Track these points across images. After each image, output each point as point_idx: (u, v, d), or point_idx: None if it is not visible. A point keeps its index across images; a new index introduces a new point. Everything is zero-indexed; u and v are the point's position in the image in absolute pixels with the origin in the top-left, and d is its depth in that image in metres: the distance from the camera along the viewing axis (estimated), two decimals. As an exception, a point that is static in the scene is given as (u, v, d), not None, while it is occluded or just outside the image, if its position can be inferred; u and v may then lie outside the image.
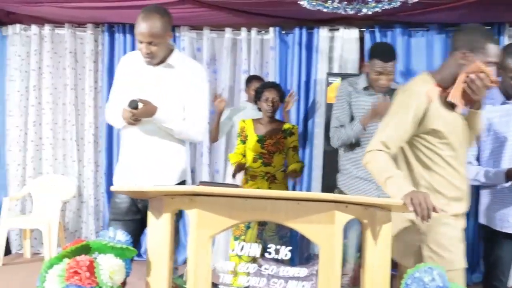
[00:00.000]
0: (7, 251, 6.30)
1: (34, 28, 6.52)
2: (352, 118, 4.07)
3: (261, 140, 4.58)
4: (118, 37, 6.47)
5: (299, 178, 5.80)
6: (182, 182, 3.33)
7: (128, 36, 6.42)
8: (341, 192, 4.07)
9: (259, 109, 4.73)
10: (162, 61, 3.26)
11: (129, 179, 3.32)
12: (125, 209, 3.32)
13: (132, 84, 3.29)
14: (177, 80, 3.22)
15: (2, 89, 6.67)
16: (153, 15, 3.13)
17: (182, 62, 3.32)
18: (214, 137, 5.48)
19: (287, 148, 4.63)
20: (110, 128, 6.46)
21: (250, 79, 5.63)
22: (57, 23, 6.54)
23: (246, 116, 4.93)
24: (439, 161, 2.82)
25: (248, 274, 2.59)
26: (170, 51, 3.29)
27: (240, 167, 4.60)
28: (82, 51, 6.60)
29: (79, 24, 6.52)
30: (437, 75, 2.89)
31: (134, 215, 3.31)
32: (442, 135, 2.79)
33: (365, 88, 4.00)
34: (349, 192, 4.02)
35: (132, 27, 6.31)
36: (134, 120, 3.15)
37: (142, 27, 3.12)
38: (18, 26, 6.55)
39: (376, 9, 4.49)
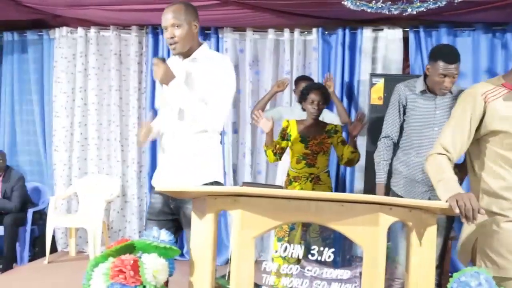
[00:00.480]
0: (53, 249, 6.43)
1: (80, 30, 6.65)
2: (401, 128, 4.06)
3: (304, 140, 4.56)
4: (162, 38, 6.52)
5: (342, 179, 5.79)
6: (215, 183, 3.26)
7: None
8: (394, 194, 4.04)
9: (304, 110, 4.71)
10: (189, 55, 3.24)
11: (160, 179, 3.33)
12: (158, 209, 3.31)
13: None
14: (201, 73, 3.19)
15: (49, 90, 6.81)
16: (176, 3, 3.20)
17: (207, 55, 3.27)
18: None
19: (336, 144, 4.58)
20: (153, 129, 6.51)
21: (299, 79, 5.64)
22: (102, 25, 6.64)
23: (295, 116, 4.91)
24: (503, 163, 2.76)
25: (291, 275, 2.58)
26: (199, 46, 3.27)
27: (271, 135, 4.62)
28: (127, 53, 6.69)
29: (124, 26, 6.61)
30: (508, 75, 2.84)
31: (167, 216, 3.30)
32: (505, 136, 2.73)
33: (422, 92, 3.95)
34: (401, 193, 3.98)
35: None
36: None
37: (167, 13, 3.17)
38: (64, 29, 6.68)
39: (421, 9, 4.43)
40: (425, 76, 3.95)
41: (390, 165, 4.15)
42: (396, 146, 4.16)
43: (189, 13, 3.18)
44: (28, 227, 6.33)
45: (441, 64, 3.75)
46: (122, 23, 6.55)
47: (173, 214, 3.27)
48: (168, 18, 3.14)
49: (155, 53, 6.56)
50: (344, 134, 4.90)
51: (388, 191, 4.14)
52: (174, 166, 3.25)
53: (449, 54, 3.80)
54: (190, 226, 3.09)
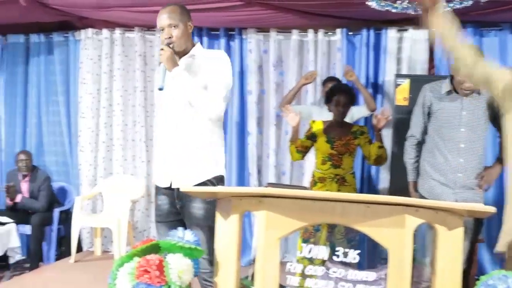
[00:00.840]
0: (79, 249, 6.49)
1: (105, 32, 6.70)
2: (425, 128, 4.05)
3: (330, 141, 4.54)
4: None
5: (367, 181, 5.76)
6: (220, 177, 3.30)
7: (196, 39, 6.50)
8: (421, 196, 4.01)
9: (330, 111, 4.69)
10: (186, 54, 3.32)
11: (163, 175, 3.34)
12: (166, 210, 3.32)
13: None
14: (200, 65, 3.25)
15: (75, 91, 6.87)
16: (171, 4, 3.31)
17: (204, 52, 3.40)
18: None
19: (363, 144, 4.54)
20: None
21: (326, 80, 5.63)
22: (127, 26, 6.69)
23: (324, 117, 4.90)
24: None
25: (315, 276, 2.58)
26: (193, 45, 3.37)
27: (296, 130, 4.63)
28: (151, 54, 6.73)
29: (148, 27, 6.64)
30: None
31: (176, 216, 3.30)
32: None
33: (448, 92, 3.92)
34: (427, 196, 3.95)
35: (199, 29, 6.43)
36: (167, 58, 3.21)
37: (161, 13, 3.27)
38: (90, 31, 6.74)
39: (447, 9, 4.39)
40: (452, 76, 3.92)
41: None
42: (421, 145, 4.14)
43: (184, 14, 3.30)
44: (55, 226, 6.40)
45: None
46: (146, 24, 6.58)
47: (179, 213, 3.29)
48: (164, 18, 3.25)
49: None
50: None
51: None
52: (178, 159, 3.26)
53: None
54: (195, 225, 3.16)
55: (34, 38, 7.02)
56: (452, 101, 3.90)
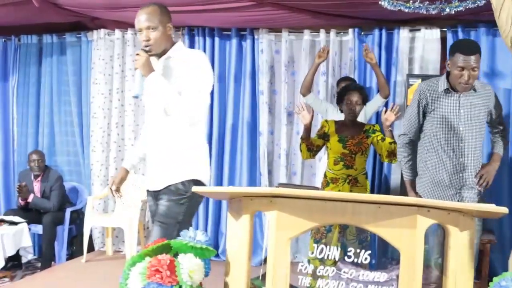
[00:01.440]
0: (90, 248, 6.52)
1: (117, 32, 6.72)
2: (420, 127, 3.99)
3: (342, 140, 4.53)
4: (198, 40, 6.56)
5: (378, 181, 5.75)
6: (195, 181, 3.23)
7: (208, 39, 6.51)
8: (420, 197, 3.97)
9: (342, 111, 4.68)
10: (164, 54, 3.28)
11: (148, 179, 3.42)
12: (154, 211, 3.37)
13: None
14: (176, 68, 3.21)
15: (87, 92, 6.90)
16: (151, 5, 3.24)
17: (181, 53, 3.30)
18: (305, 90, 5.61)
19: (376, 142, 4.52)
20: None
21: (340, 80, 5.63)
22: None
23: (337, 117, 4.89)
24: None
25: (327, 277, 2.57)
26: (172, 45, 3.31)
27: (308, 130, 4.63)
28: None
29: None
30: None
31: None
32: None
33: (446, 91, 3.86)
34: (427, 197, 3.91)
35: (211, 30, 6.44)
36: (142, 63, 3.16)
37: (140, 14, 3.21)
38: (102, 31, 6.76)
39: (460, 8, 4.37)
40: (448, 74, 3.86)
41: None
42: (414, 144, 4.08)
43: (164, 15, 3.23)
44: (66, 226, 6.43)
45: (458, 56, 3.67)
46: (158, 25, 6.59)
47: None
48: (142, 20, 3.19)
49: (191, 54, 6.58)
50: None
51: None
52: (155, 163, 3.30)
53: (466, 46, 3.72)
54: (157, 221, 3.23)
55: (47, 38, 7.05)
56: (449, 99, 3.83)
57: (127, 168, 3.68)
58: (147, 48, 3.19)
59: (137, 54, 3.15)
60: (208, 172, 3.36)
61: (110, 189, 3.66)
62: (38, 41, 7.11)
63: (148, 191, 3.43)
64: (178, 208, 3.19)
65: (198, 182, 3.23)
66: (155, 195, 3.33)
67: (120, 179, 3.64)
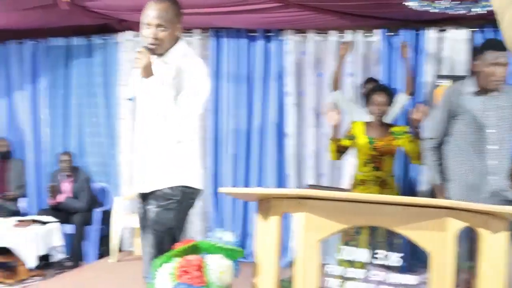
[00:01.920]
0: (119, 248, 6.56)
1: (144, 34, 6.75)
2: (446, 131, 3.93)
3: (371, 141, 4.51)
4: (225, 41, 6.58)
5: (407, 183, 5.71)
6: (185, 187, 3.09)
7: (234, 41, 6.53)
8: None
9: (370, 112, 4.67)
10: (163, 54, 3.07)
11: (136, 182, 3.25)
12: (142, 214, 3.21)
13: None
14: (173, 74, 3.01)
15: (114, 93, 6.95)
16: (164, 1, 3.02)
17: (180, 58, 3.08)
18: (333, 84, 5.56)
19: (406, 144, 4.48)
20: (216, 131, 6.60)
21: (366, 81, 5.61)
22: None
23: (363, 118, 4.87)
24: None
25: (356, 279, 2.56)
26: (173, 44, 3.09)
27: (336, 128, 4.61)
28: (190, 55, 6.75)
29: (187, 29, 6.68)
30: None
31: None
32: None
33: (474, 93, 3.79)
34: (457, 200, 3.85)
35: (237, 31, 6.45)
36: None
37: (152, 9, 2.98)
38: (129, 33, 6.80)
39: (488, 8, 4.32)
40: (474, 75, 3.80)
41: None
42: (441, 147, 4.02)
43: (176, 14, 3.03)
44: (96, 226, 6.48)
45: (491, 53, 3.63)
46: (185, 26, 6.60)
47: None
48: (153, 16, 2.97)
49: (218, 55, 6.60)
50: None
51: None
52: (146, 169, 3.13)
53: (497, 43, 3.68)
54: (148, 228, 3.06)
55: (74, 41, 7.13)
56: (477, 101, 3.78)
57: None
58: (152, 47, 2.97)
59: (139, 52, 2.92)
60: (200, 176, 3.21)
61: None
62: (66, 43, 7.17)
63: (138, 194, 3.25)
64: (167, 214, 3.03)
65: (187, 188, 3.09)
66: (143, 197, 3.17)
67: None
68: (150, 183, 3.09)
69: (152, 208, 3.06)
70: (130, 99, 3.07)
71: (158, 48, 3.00)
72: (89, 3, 5.76)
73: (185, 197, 3.06)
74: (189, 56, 3.12)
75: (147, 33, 2.99)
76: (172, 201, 3.04)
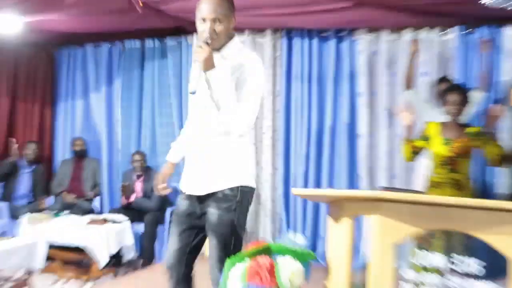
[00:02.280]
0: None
1: (215, 36, 6.81)
2: None
3: (447, 143, 4.39)
4: (296, 42, 6.56)
5: (484, 186, 5.54)
6: (242, 187, 3.03)
7: (306, 41, 6.50)
8: None
9: (446, 112, 4.54)
10: (219, 49, 3.03)
11: (188, 183, 3.20)
12: (182, 211, 3.21)
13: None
14: (230, 72, 2.96)
15: (187, 94, 7.00)
16: None
17: (237, 53, 3.05)
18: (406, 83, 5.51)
19: (485, 145, 4.35)
20: (287, 132, 6.59)
21: (440, 81, 5.48)
22: (237, 30, 6.73)
23: (435, 118, 4.76)
24: None
25: (430, 284, 2.49)
26: (229, 39, 3.07)
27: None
28: (261, 57, 6.74)
29: (258, 30, 6.69)
30: None
31: (191, 218, 3.17)
32: None
33: None
34: None
35: (309, 31, 6.42)
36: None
37: (207, 3, 2.95)
38: (200, 35, 6.87)
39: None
40: None
41: None
42: None
43: (231, 7, 3.01)
44: (167, 226, 6.56)
45: None
46: (256, 27, 6.64)
47: (199, 218, 3.12)
48: (210, 10, 2.93)
49: (289, 56, 6.60)
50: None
51: None
52: (201, 169, 3.09)
53: None
54: (212, 231, 2.99)
55: (149, 43, 7.27)
56: None
57: (175, 162, 3.55)
58: (210, 41, 2.93)
59: (200, 47, 2.86)
60: (254, 176, 3.16)
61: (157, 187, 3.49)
62: (140, 45, 7.34)
63: (186, 194, 3.21)
64: (230, 216, 2.98)
65: (245, 188, 3.05)
66: (198, 199, 3.12)
67: (168, 174, 3.53)
68: (208, 185, 3.05)
69: (213, 210, 3.01)
70: (192, 93, 2.99)
71: (215, 43, 2.97)
72: (163, 6, 5.85)
73: (245, 197, 3.03)
74: (245, 51, 3.11)
75: (203, 27, 2.96)
76: (233, 202, 2.99)
